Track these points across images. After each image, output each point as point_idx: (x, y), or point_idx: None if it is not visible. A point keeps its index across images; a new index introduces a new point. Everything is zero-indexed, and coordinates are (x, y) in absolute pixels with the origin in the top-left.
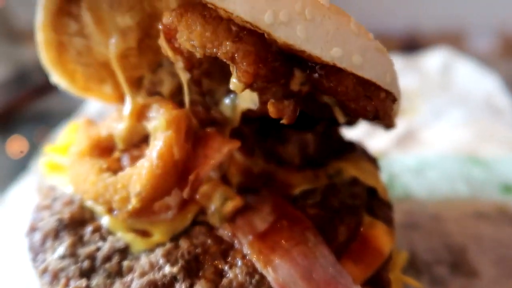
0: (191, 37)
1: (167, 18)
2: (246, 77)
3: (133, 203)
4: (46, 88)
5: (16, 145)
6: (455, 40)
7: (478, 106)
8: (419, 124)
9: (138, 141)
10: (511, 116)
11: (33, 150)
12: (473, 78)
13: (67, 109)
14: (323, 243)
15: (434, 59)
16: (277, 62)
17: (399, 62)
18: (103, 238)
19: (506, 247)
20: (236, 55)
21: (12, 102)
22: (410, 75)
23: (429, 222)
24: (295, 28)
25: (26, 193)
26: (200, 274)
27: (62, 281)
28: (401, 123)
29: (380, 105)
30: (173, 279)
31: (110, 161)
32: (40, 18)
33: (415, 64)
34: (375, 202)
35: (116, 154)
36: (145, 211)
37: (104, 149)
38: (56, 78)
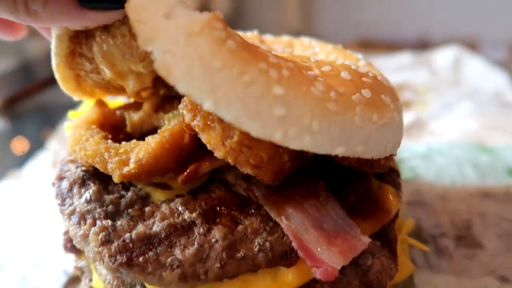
0: (216, 154)
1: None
2: (267, 182)
3: (130, 167)
4: (51, 80)
5: (20, 143)
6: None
7: (487, 100)
8: (429, 116)
9: (147, 130)
10: None
11: (39, 140)
12: (483, 75)
13: (73, 100)
14: (334, 199)
15: (445, 56)
16: (289, 163)
17: (411, 59)
18: (126, 189)
19: (511, 223)
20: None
21: (18, 92)
22: (421, 71)
23: (436, 201)
24: (304, 139)
25: (42, 168)
26: (217, 221)
27: (89, 221)
28: (411, 115)
29: (380, 168)
30: (192, 223)
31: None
32: (54, 62)
33: (426, 61)
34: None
35: (121, 136)
36: (136, 178)
37: (112, 125)
38: (76, 98)
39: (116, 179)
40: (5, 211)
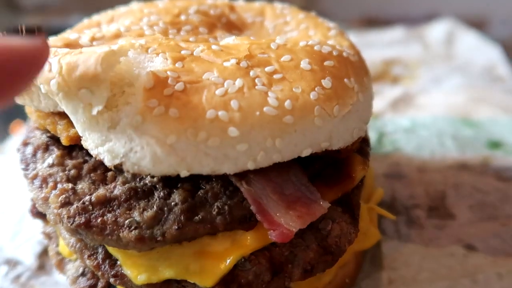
0: None
1: None
2: None
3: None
4: None
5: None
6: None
7: (477, 75)
8: (417, 91)
9: None
10: (510, 83)
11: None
12: (476, 49)
13: None
14: (297, 166)
15: (438, 31)
16: None
17: (404, 34)
18: (90, 155)
19: (484, 194)
20: None
21: None
22: (413, 46)
23: (414, 173)
24: (272, 157)
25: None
26: (178, 185)
27: (50, 184)
28: (399, 89)
29: (348, 152)
30: (153, 187)
31: None
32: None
33: (419, 35)
34: None
35: None
36: None
37: None
38: None
39: (63, 141)
40: None
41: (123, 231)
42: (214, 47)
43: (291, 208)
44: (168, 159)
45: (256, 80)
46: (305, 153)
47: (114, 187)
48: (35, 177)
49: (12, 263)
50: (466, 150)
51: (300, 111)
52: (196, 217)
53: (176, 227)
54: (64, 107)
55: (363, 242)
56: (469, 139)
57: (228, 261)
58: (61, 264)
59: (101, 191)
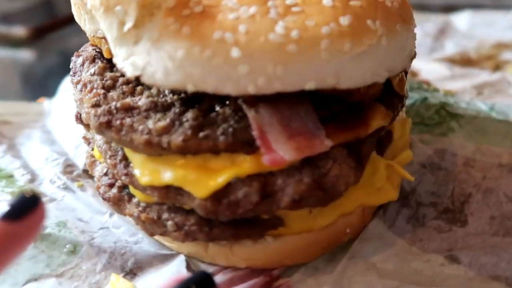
0: None
1: None
2: None
3: None
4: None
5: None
6: None
7: None
8: None
9: None
10: None
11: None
12: None
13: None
14: (310, 105)
15: None
16: None
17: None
18: None
19: None
20: None
21: (44, 24)
22: None
23: (456, 166)
24: (274, 85)
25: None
26: (195, 106)
27: (88, 89)
28: (496, 75)
29: (362, 96)
30: (171, 104)
31: None
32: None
33: None
34: (383, 91)
35: None
36: None
37: None
38: None
39: (105, 53)
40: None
41: (136, 134)
42: None
43: (292, 139)
44: (176, 73)
45: (271, 10)
46: (309, 86)
47: (139, 99)
48: (78, 82)
49: (70, 164)
50: None
51: (306, 42)
52: (201, 134)
53: (181, 139)
54: (102, 23)
55: (374, 198)
56: None
57: (223, 177)
58: (92, 165)
59: (127, 100)
